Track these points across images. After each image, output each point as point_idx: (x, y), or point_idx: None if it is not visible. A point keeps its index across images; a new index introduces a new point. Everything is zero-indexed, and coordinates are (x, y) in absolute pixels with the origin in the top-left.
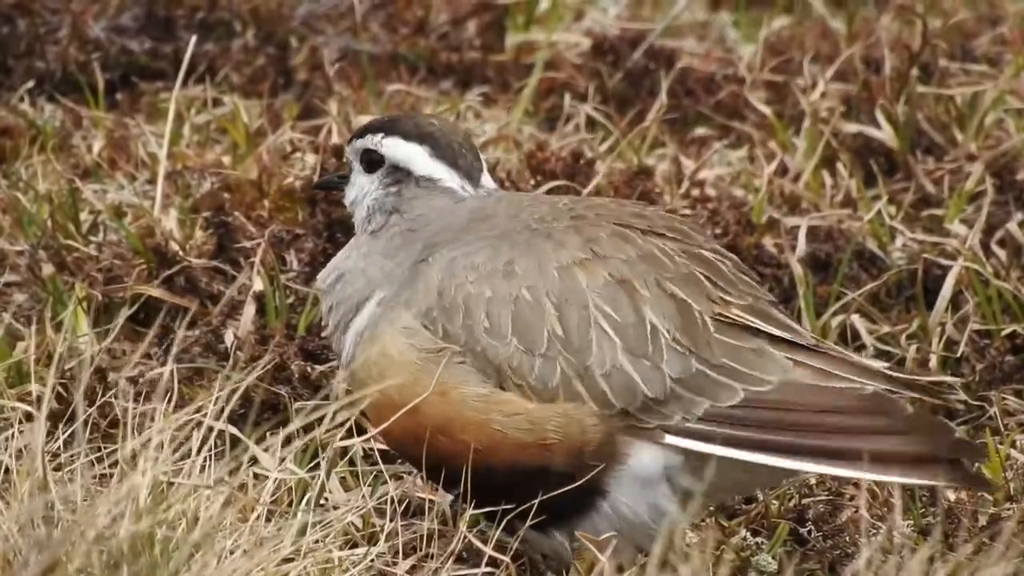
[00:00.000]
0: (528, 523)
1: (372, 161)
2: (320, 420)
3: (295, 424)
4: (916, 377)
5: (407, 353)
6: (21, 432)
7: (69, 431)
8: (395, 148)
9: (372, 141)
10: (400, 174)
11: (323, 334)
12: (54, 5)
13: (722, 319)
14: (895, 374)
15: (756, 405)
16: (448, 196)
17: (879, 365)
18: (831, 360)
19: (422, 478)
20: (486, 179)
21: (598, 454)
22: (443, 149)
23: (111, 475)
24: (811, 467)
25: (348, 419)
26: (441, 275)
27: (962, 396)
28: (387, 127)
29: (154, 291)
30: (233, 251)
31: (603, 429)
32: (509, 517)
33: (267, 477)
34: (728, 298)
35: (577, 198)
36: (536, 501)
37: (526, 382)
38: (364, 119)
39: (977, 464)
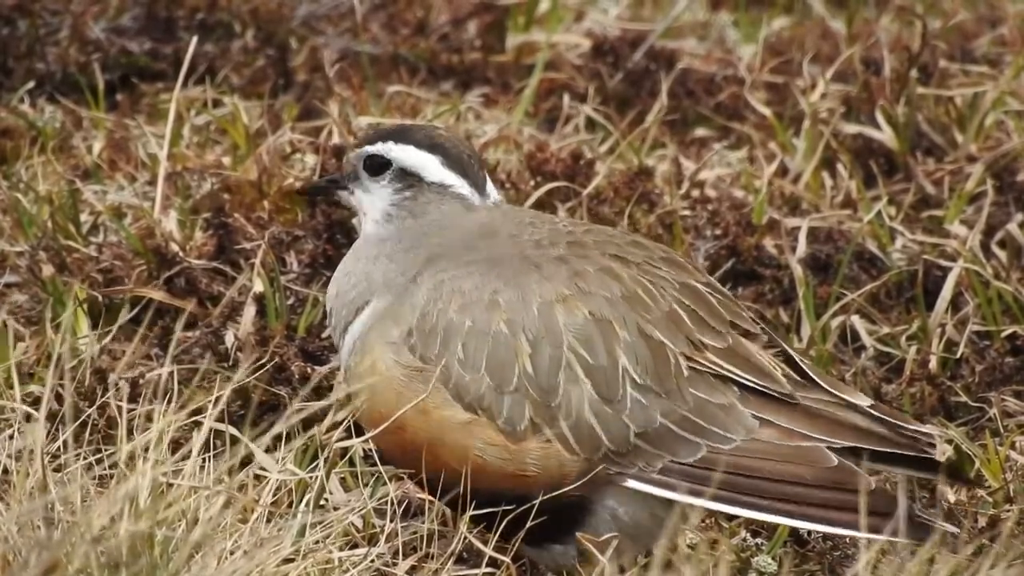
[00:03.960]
0: (525, 527)
1: (378, 166)
2: (320, 420)
3: (290, 421)
4: (896, 424)
5: (393, 369)
6: (21, 433)
7: (68, 431)
8: (407, 155)
9: (383, 148)
10: (411, 179)
11: (325, 333)
12: (54, 6)
13: (697, 367)
14: (873, 428)
15: (717, 465)
16: (460, 203)
17: (862, 407)
18: (802, 417)
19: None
20: (491, 189)
21: (579, 485)
22: (454, 159)
23: (111, 476)
24: (771, 519)
25: (347, 419)
26: (427, 296)
27: (941, 447)
28: (397, 135)
29: (154, 292)
30: (233, 252)
31: (582, 465)
32: (508, 519)
33: (267, 478)
34: (707, 340)
35: (579, 222)
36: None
37: (495, 424)
38: (364, 120)
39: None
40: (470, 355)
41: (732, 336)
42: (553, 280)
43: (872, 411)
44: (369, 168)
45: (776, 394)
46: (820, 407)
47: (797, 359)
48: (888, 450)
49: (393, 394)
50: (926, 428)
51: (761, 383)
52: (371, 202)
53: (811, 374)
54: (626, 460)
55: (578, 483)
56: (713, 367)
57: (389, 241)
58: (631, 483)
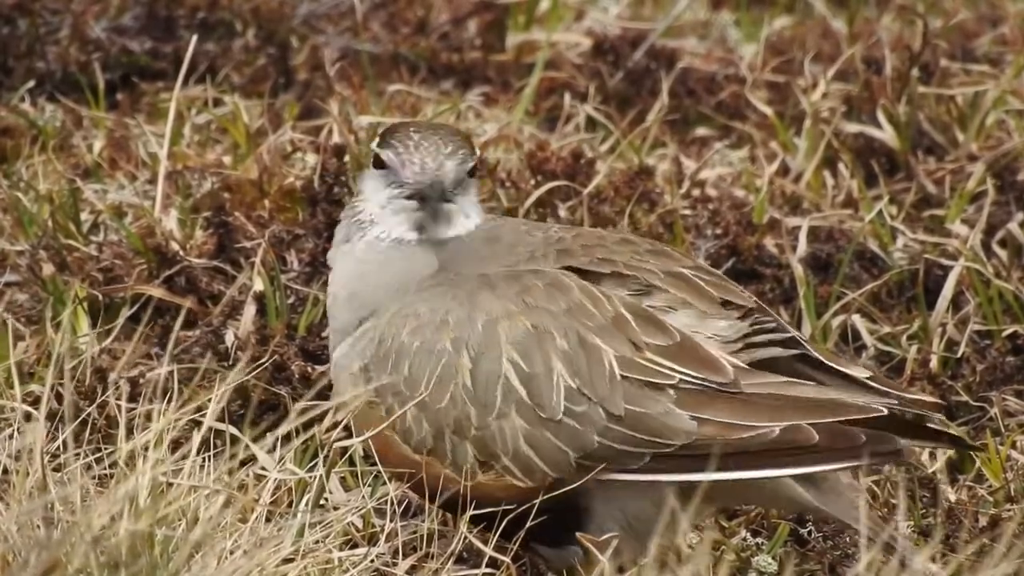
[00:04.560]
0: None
1: (474, 169)
2: (320, 419)
3: (292, 424)
4: (895, 393)
5: (354, 397)
6: (21, 432)
7: (68, 431)
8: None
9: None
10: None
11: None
12: (55, 5)
13: (632, 371)
14: (825, 396)
15: (663, 459)
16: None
17: (808, 392)
18: (741, 407)
19: None
20: None
21: (561, 490)
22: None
23: (111, 475)
24: (732, 475)
25: (346, 419)
26: (384, 327)
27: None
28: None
29: (154, 291)
30: (233, 251)
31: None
32: (507, 520)
33: (267, 477)
34: (651, 340)
35: (570, 228)
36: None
37: (443, 468)
38: (365, 119)
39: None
40: (414, 374)
41: (682, 334)
42: (502, 298)
43: (870, 383)
44: (472, 173)
45: (716, 387)
46: (764, 391)
47: (793, 334)
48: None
49: (360, 419)
50: (927, 397)
51: (700, 376)
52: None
53: (807, 347)
54: (575, 477)
55: (557, 486)
56: (652, 365)
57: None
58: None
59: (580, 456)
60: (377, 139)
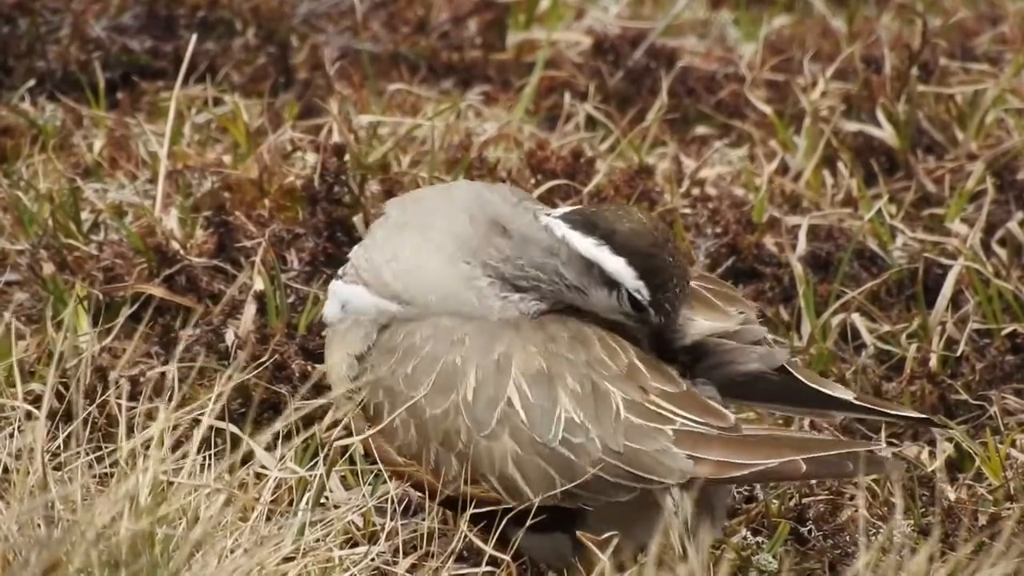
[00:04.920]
0: (526, 525)
1: None
2: (320, 418)
3: (289, 420)
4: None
5: (343, 382)
6: (21, 431)
7: (69, 430)
8: None
9: None
10: None
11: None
12: (55, 4)
13: (636, 413)
14: (813, 438)
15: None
16: None
17: (796, 435)
18: (738, 447)
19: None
20: None
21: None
22: None
23: (111, 474)
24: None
25: (347, 417)
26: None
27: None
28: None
29: (155, 290)
30: (234, 250)
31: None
32: (508, 518)
33: (267, 476)
34: (659, 386)
35: None
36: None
37: (429, 476)
38: (365, 119)
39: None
40: (416, 375)
41: (687, 384)
42: (525, 340)
43: (856, 402)
44: None
45: (716, 430)
46: (759, 433)
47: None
48: (830, 453)
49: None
50: (913, 413)
51: (702, 420)
52: None
53: (791, 371)
54: (565, 503)
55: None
56: (655, 408)
57: None
58: None
59: (570, 484)
60: (643, 283)
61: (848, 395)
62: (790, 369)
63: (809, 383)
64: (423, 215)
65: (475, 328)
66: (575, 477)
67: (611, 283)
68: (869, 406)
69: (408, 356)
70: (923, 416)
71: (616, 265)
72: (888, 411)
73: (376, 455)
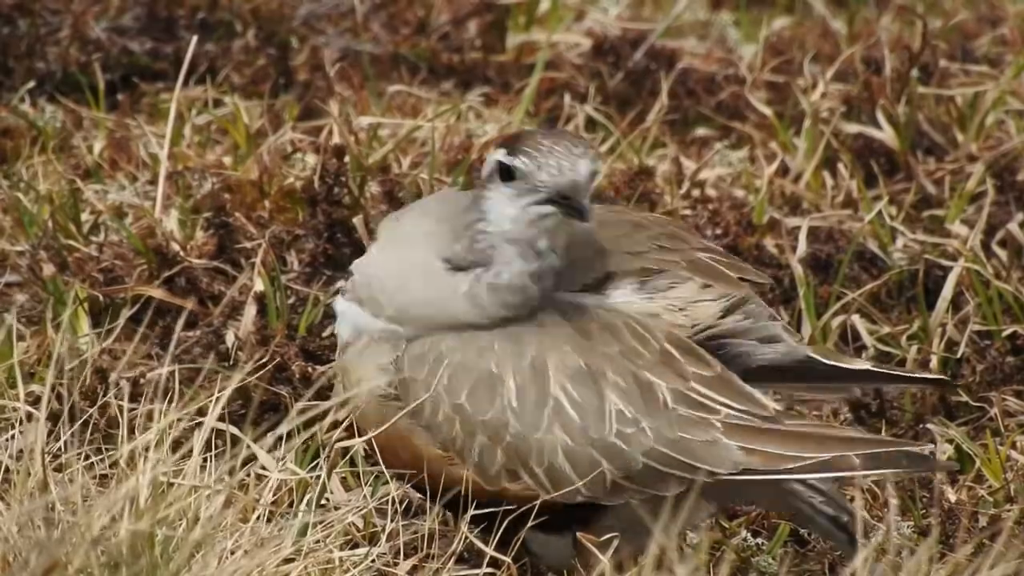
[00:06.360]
0: (527, 526)
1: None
2: (321, 419)
3: (292, 423)
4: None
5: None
6: (21, 432)
7: (69, 431)
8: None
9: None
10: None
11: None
12: (55, 6)
13: (683, 401)
14: (860, 436)
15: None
16: None
17: (848, 432)
18: (785, 439)
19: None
20: None
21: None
22: None
23: (111, 475)
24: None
25: (348, 418)
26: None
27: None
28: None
29: (155, 291)
30: (234, 251)
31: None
32: (510, 519)
33: (268, 477)
34: (695, 370)
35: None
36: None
37: (466, 470)
38: (365, 120)
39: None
40: (454, 385)
41: (720, 366)
42: (554, 337)
43: (874, 369)
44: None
45: (760, 422)
46: (805, 428)
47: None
48: (876, 451)
49: (376, 417)
50: (930, 375)
51: (745, 410)
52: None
53: (808, 351)
54: (608, 499)
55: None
56: (699, 397)
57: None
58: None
59: (621, 476)
60: (503, 150)
61: (864, 365)
62: (806, 351)
63: (825, 360)
64: (403, 231)
65: (501, 333)
66: (628, 467)
67: (494, 171)
68: (887, 372)
69: (439, 365)
70: (938, 377)
71: (496, 153)
72: (905, 375)
73: (399, 452)
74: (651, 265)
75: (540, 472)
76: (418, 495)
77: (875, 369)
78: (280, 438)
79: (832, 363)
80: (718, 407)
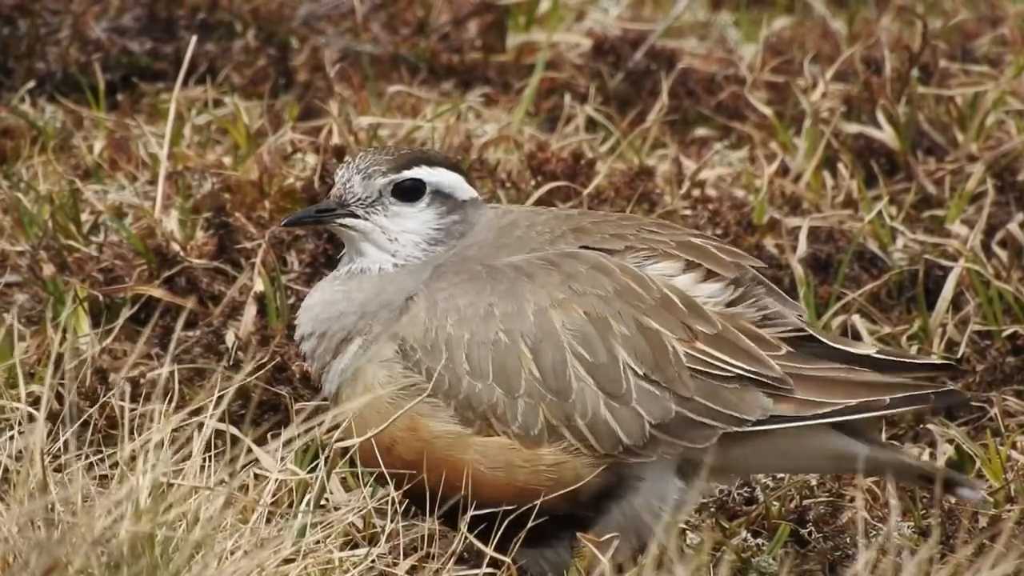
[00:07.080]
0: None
1: (413, 191)
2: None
3: (297, 429)
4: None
5: (385, 386)
6: (21, 433)
7: (69, 431)
8: (441, 177)
9: (419, 173)
10: (449, 201)
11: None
12: (55, 6)
13: (696, 367)
14: (883, 379)
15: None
16: (487, 210)
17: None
18: (818, 385)
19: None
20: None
21: (596, 490)
22: (467, 174)
23: (112, 476)
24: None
25: (348, 420)
26: (425, 314)
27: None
28: (424, 160)
29: (155, 291)
30: (234, 252)
31: (596, 469)
32: (509, 520)
33: (267, 478)
34: (698, 327)
35: (571, 210)
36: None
37: (510, 430)
38: (365, 120)
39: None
40: (475, 365)
41: (720, 322)
42: (547, 287)
43: (878, 355)
44: (400, 194)
45: (768, 380)
46: (829, 374)
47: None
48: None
49: (380, 415)
50: (935, 359)
51: (752, 369)
52: (406, 227)
53: (813, 333)
54: (644, 452)
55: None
56: (708, 358)
57: (434, 264)
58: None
59: (657, 424)
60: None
61: (870, 349)
62: (811, 332)
63: (832, 343)
64: None
65: (493, 295)
66: (664, 415)
67: None
68: (892, 358)
69: (452, 348)
70: (945, 361)
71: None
72: (910, 360)
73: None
74: (635, 244)
75: (583, 425)
76: (415, 507)
77: (878, 356)
78: (280, 438)
79: (838, 347)
80: (730, 369)
